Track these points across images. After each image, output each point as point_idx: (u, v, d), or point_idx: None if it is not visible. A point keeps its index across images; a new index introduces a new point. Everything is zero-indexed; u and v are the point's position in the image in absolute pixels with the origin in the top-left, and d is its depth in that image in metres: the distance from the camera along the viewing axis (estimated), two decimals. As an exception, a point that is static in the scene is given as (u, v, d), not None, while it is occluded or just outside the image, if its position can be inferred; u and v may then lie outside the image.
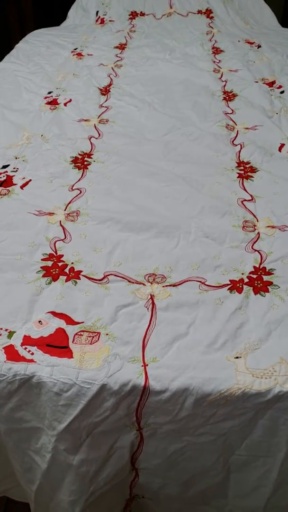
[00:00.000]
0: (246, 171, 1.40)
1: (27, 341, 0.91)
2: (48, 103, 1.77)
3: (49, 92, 1.85)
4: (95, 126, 1.63)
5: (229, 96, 1.84)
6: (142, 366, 0.87)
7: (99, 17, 2.68)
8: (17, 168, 1.40)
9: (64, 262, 1.09)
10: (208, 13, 2.66)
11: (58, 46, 2.31)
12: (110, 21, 2.64)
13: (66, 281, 1.04)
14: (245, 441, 0.90)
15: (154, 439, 0.91)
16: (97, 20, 2.66)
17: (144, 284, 1.04)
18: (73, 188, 1.33)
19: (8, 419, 0.90)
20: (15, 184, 1.33)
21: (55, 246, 1.13)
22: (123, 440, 0.91)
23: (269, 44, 2.30)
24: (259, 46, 2.30)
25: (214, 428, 0.88)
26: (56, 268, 1.07)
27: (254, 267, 1.08)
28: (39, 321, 0.95)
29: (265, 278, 1.05)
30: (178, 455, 0.92)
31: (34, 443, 0.93)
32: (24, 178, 1.35)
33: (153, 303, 0.99)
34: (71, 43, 2.35)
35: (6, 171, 1.38)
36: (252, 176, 1.38)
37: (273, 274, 1.06)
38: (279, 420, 0.86)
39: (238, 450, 0.91)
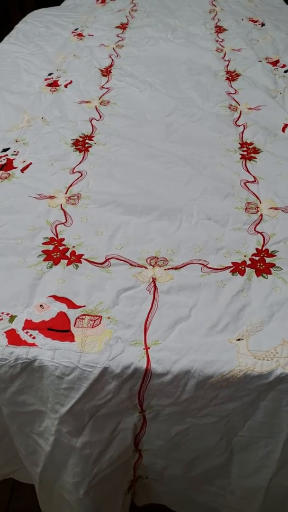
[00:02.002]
0: (249, 152, 1.38)
1: (29, 325, 0.91)
2: (49, 85, 1.74)
3: (50, 74, 1.82)
4: (96, 108, 1.60)
5: (232, 76, 1.80)
6: (144, 349, 0.87)
7: (100, -4, 2.62)
8: (18, 152, 1.38)
9: (65, 245, 1.08)
10: (211, -10, 2.59)
11: (58, 26, 2.27)
12: (111, 0, 2.59)
13: (67, 265, 1.03)
14: (248, 423, 0.90)
15: (156, 421, 0.91)
16: (97, 0, 2.61)
17: (146, 267, 1.03)
18: (74, 171, 1.31)
19: (11, 403, 0.91)
20: (16, 168, 1.32)
21: (56, 230, 1.12)
22: (126, 423, 0.91)
23: (273, 22, 2.25)
24: (262, 24, 2.25)
25: (216, 410, 0.88)
26: (57, 252, 1.06)
27: (257, 249, 1.06)
28: (41, 305, 0.95)
29: (268, 260, 1.04)
30: (181, 437, 0.93)
31: (37, 426, 0.93)
32: (24, 161, 1.34)
33: (155, 286, 0.99)
34: (72, 23, 2.31)
35: (7, 155, 1.37)
36: (255, 157, 1.36)
37: (275, 256, 1.05)
38: (281, 401, 0.86)
39: (240, 431, 0.92)
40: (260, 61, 1.90)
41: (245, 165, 1.33)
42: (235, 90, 1.71)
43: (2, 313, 0.93)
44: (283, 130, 1.47)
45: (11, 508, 1.31)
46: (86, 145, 1.42)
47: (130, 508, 1.12)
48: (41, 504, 1.08)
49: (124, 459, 0.97)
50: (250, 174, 1.29)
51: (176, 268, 1.03)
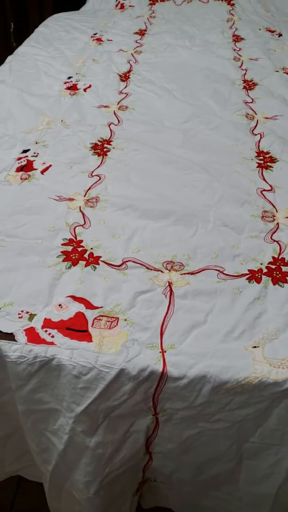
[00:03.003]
0: (265, 161, 1.39)
1: (48, 324, 0.92)
2: (68, 88, 1.77)
3: (69, 77, 1.84)
4: (114, 113, 1.62)
5: (249, 85, 1.82)
6: (160, 352, 0.88)
7: (119, 2, 2.65)
8: (38, 153, 1.40)
9: (83, 247, 1.10)
10: (229, 0, 2.62)
11: (77, 30, 2.30)
12: (130, 6, 2.61)
13: (85, 266, 1.05)
14: (259, 429, 0.91)
15: (169, 424, 0.92)
16: (116, 5, 2.64)
17: (162, 271, 1.04)
18: (93, 174, 1.33)
19: (27, 400, 0.92)
20: (36, 169, 1.34)
21: (75, 231, 1.14)
22: (139, 424, 0.92)
23: (291, 32, 2.27)
24: (280, 35, 2.27)
25: (229, 416, 0.89)
26: (75, 253, 1.08)
27: (273, 257, 1.08)
28: (59, 305, 0.96)
29: (284, 269, 1.05)
30: (192, 441, 0.94)
31: (51, 424, 0.95)
32: (44, 163, 1.36)
33: (171, 291, 1.00)
34: (91, 28, 2.33)
35: (27, 156, 1.39)
36: (271, 166, 1.37)
37: (292, 265, 1.06)
38: (295, 409, 0.87)
39: (252, 438, 0.92)
40: (277, 71, 1.92)
41: (262, 174, 1.34)
42: (252, 99, 1.72)
43: (22, 311, 0.94)
44: (300, 140, 1.49)
45: (16, 505, 1.32)
46: (105, 149, 1.43)
47: (136, 510, 1.13)
48: (50, 502, 1.09)
49: (135, 460, 0.98)
50: (267, 182, 1.31)
51: (192, 273, 1.04)
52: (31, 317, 0.93)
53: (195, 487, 1.04)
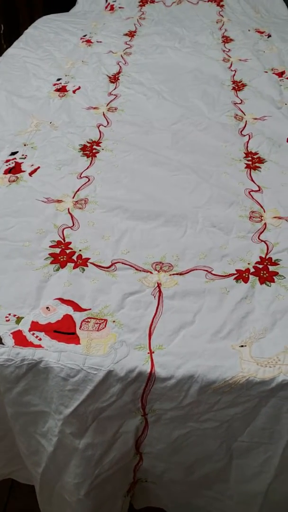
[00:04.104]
0: (254, 161, 1.40)
1: (35, 326, 0.92)
2: (57, 90, 1.77)
3: (58, 79, 1.85)
4: (103, 114, 1.63)
5: (238, 86, 1.83)
6: (148, 353, 0.89)
7: (109, 3, 2.65)
8: (26, 155, 1.40)
9: (72, 249, 1.10)
10: (219, 1, 2.63)
11: (67, 32, 2.30)
12: (119, 7, 2.62)
13: (73, 268, 1.05)
14: (248, 428, 0.91)
15: (158, 424, 0.92)
16: (106, 7, 2.64)
17: (151, 272, 1.05)
18: (82, 176, 1.33)
19: (16, 403, 0.92)
20: (24, 171, 1.34)
21: (63, 233, 1.14)
22: (128, 425, 0.92)
23: (279, 33, 2.28)
24: (269, 36, 2.28)
25: (218, 415, 0.89)
26: (64, 255, 1.08)
27: (260, 257, 1.08)
28: (47, 307, 0.96)
29: (271, 268, 1.05)
30: (181, 441, 0.94)
31: (41, 427, 0.95)
32: (32, 165, 1.36)
33: (160, 291, 1.00)
34: (80, 29, 2.34)
35: (15, 158, 1.39)
36: (259, 167, 1.38)
37: (279, 264, 1.06)
38: (282, 408, 0.87)
39: (240, 437, 0.93)
40: (266, 72, 1.93)
41: (250, 175, 1.35)
42: (241, 100, 1.73)
43: (9, 314, 0.94)
44: (288, 141, 1.50)
45: (9, 508, 1.32)
46: (94, 151, 1.44)
47: (129, 510, 1.13)
48: (41, 504, 1.09)
49: (125, 461, 0.98)
50: (255, 183, 1.31)
51: (181, 274, 1.05)
52: (18, 320, 0.93)
53: (187, 486, 1.05)
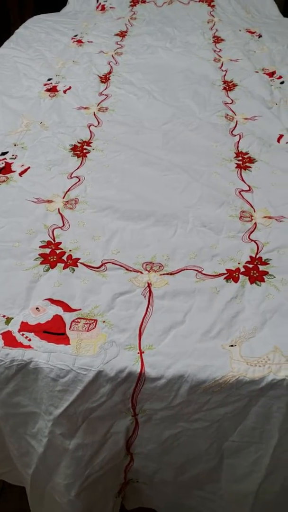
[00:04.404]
0: (244, 161, 1.40)
1: (25, 327, 0.92)
2: (48, 90, 1.76)
3: (49, 79, 1.84)
4: (94, 114, 1.62)
5: (229, 86, 1.83)
6: (138, 353, 0.88)
7: (100, 3, 2.65)
8: (16, 155, 1.40)
9: (62, 249, 1.09)
10: (210, 1, 2.64)
11: (58, 32, 2.29)
12: (110, 8, 2.62)
13: (63, 268, 1.04)
14: (239, 428, 0.92)
15: (149, 424, 0.92)
16: (97, 7, 2.64)
17: (141, 272, 1.05)
18: (72, 176, 1.33)
19: (5, 404, 0.92)
20: (14, 171, 1.33)
21: (53, 234, 1.13)
22: (119, 426, 0.92)
23: (270, 33, 2.29)
24: (260, 36, 2.29)
25: (208, 415, 0.90)
26: (54, 256, 1.07)
27: (251, 257, 1.08)
28: (37, 308, 0.96)
29: (261, 268, 1.06)
30: (172, 441, 0.94)
31: (30, 428, 0.94)
32: (23, 165, 1.36)
33: (150, 291, 1.00)
34: (71, 29, 2.33)
35: (5, 158, 1.38)
36: (250, 167, 1.38)
37: (269, 264, 1.06)
38: (272, 407, 0.88)
39: (231, 436, 0.93)
40: (257, 72, 1.94)
41: (240, 174, 1.35)
42: (232, 100, 1.73)
43: (-1, 315, 0.94)
44: (278, 140, 1.50)
45: (0, 510, 1.31)
46: (84, 151, 1.43)
47: (120, 511, 1.13)
48: (32, 506, 1.09)
49: (116, 462, 0.98)
50: (245, 183, 1.32)
51: (171, 274, 1.05)
52: (8, 320, 0.93)
53: (178, 487, 1.05)
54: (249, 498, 1.00)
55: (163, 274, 1.05)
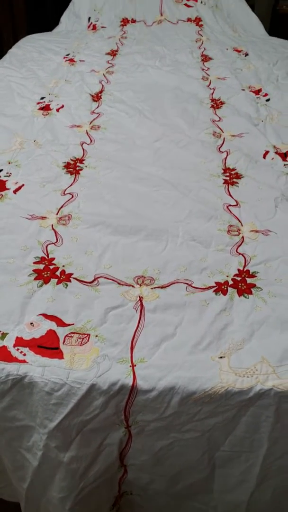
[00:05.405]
0: (231, 177, 1.44)
1: (19, 342, 0.94)
2: (41, 108, 1.80)
3: (42, 98, 1.88)
4: (87, 132, 1.66)
5: (216, 104, 1.88)
6: (130, 366, 0.91)
7: (91, 23, 2.71)
8: (10, 173, 1.43)
9: (55, 265, 1.12)
10: (198, 21, 2.71)
11: (50, 51, 2.35)
12: (102, 27, 2.68)
13: (57, 283, 1.07)
14: (229, 437, 0.94)
15: (142, 436, 0.94)
16: (89, 26, 2.70)
17: (133, 286, 1.07)
18: (65, 192, 1.36)
19: (1, 418, 0.93)
20: (8, 189, 1.36)
21: (46, 250, 1.16)
22: (112, 438, 0.94)
23: (256, 52, 2.36)
24: (246, 54, 2.35)
25: (199, 425, 0.92)
26: (47, 271, 1.10)
27: (239, 269, 1.12)
28: (31, 323, 0.98)
29: (249, 280, 1.09)
30: (165, 451, 0.96)
31: (26, 441, 0.96)
32: (17, 182, 1.38)
33: (141, 305, 1.03)
34: (64, 48, 2.39)
35: (0, 176, 1.42)
36: (237, 182, 1.42)
37: (256, 276, 1.10)
38: (261, 417, 0.90)
39: (222, 446, 0.95)
40: (244, 89, 1.99)
41: (228, 190, 1.39)
42: (219, 117, 1.78)
43: (-6, 330, 0.96)
44: (264, 156, 1.55)
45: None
46: (77, 168, 1.47)
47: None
48: (27, 520, 1.09)
49: (110, 474, 0.99)
50: (233, 198, 1.36)
51: (162, 287, 1.07)
52: (3, 336, 0.95)
53: (171, 498, 1.06)
54: (241, 507, 1.01)
55: (154, 287, 1.07)
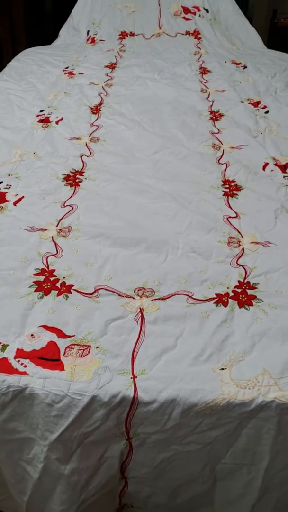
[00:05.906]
0: (231, 189, 1.46)
1: (20, 354, 0.94)
2: (40, 121, 1.82)
3: (41, 110, 1.90)
4: (86, 145, 1.68)
5: (215, 116, 1.90)
6: (131, 378, 0.91)
7: (90, 36, 2.75)
8: (10, 185, 1.44)
9: (55, 276, 1.12)
10: (196, 34, 2.75)
11: (49, 64, 2.37)
12: (100, 40, 2.71)
13: (57, 295, 1.07)
14: (230, 450, 0.93)
15: (143, 448, 0.94)
16: (88, 39, 2.73)
17: (133, 298, 1.08)
18: (65, 204, 1.37)
19: (1, 430, 0.93)
20: (8, 201, 1.37)
21: (47, 261, 1.16)
22: (113, 450, 0.94)
23: (255, 64, 2.39)
24: (245, 67, 2.38)
25: (200, 437, 0.91)
26: (48, 283, 1.10)
27: (239, 281, 1.12)
28: (32, 335, 0.98)
29: (249, 292, 1.09)
30: (166, 464, 0.95)
31: (26, 454, 0.95)
32: (17, 194, 1.39)
33: (142, 317, 1.03)
34: (63, 61, 2.41)
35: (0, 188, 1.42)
36: (237, 194, 1.43)
37: (256, 288, 1.10)
38: (262, 429, 0.90)
39: (223, 459, 0.95)
40: (242, 102, 2.01)
41: (228, 202, 1.40)
42: (219, 129, 1.80)
43: (-5, 342, 0.96)
44: (263, 168, 1.56)
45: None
46: (77, 180, 1.48)
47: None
48: (27, 534, 1.08)
49: (111, 486, 0.99)
50: (232, 210, 1.36)
51: (162, 299, 1.08)
52: (4, 347, 0.95)
53: (172, 511, 1.05)
54: (242, 521, 1.01)
55: (155, 299, 1.08)
